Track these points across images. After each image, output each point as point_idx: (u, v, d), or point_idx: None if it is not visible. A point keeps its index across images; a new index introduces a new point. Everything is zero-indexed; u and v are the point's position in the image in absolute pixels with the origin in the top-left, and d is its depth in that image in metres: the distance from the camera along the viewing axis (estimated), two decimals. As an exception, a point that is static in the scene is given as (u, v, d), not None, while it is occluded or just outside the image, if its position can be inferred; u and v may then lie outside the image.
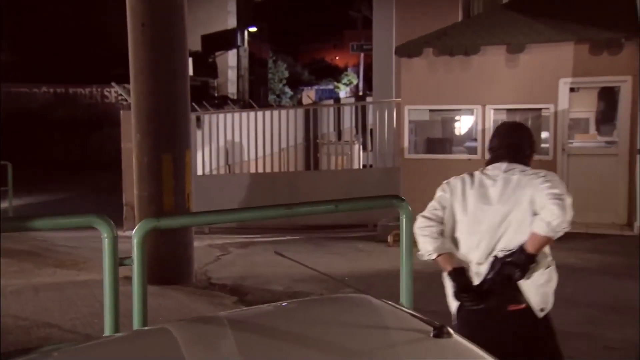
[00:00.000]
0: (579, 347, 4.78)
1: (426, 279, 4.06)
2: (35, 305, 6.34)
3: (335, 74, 44.87)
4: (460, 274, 3.20)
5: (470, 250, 3.22)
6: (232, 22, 27.95)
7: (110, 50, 17.84)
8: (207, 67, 26.57)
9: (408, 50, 10.53)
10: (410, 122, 10.74)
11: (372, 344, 1.84)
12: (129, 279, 3.07)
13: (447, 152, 10.68)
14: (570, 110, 9.93)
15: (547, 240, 3.07)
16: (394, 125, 11.56)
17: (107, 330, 3.01)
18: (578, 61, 9.56)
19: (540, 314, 3.17)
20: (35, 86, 24.39)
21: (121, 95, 13.65)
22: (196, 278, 7.46)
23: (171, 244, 7.02)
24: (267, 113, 12.91)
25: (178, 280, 7.12)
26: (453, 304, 3.31)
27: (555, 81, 9.65)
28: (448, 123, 11.22)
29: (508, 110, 10.24)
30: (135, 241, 3.01)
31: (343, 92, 41.72)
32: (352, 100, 28.93)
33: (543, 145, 9.77)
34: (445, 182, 3.39)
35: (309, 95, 35.61)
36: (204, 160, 12.39)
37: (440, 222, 3.27)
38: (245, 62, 29.84)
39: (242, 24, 29.29)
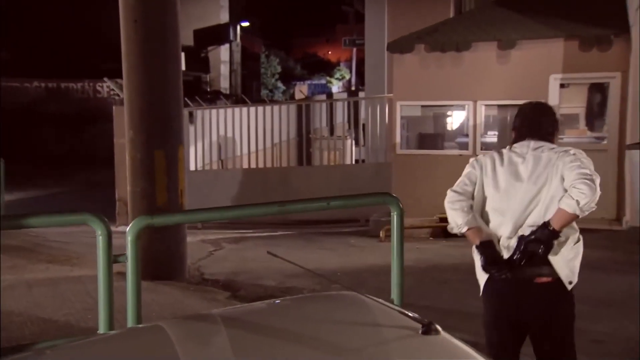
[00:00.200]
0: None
1: (418, 275, 4.11)
2: (29, 300, 6.33)
3: (328, 68, 44.84)
4: (488, 246, 3.25)
5: (500, 225, 3.27)
6: (224, 17, 27.86)
7: (102, 44, 17.77)
8: (199, 62, 26.46)
9: (400, 46, 10.56)
10: (402, 117, 10.78)
11: (361, 341, 1.86)
12: (122, 274, 3.09)
13: (438, 147, 10.73)
14: (561, 106, 9.96)
15: (574, 218, 3.12)
16: (386, 121, 11.61)
17: (102, 327, 3.04)
18: (568, 57, 9.62)
19: (569, 287, 3.23)
20: (26, 81, 24.21)
21: (113, 90, 13.62)
22: (189, 273, 7.46)
23: (164, 240, 7.01)
24: (260, 108, 12.92)
25: (171, 276, 7.11)
26: (482, 277, 3.36)
27: (545, 77, 9.70)
28: (440, 119, 11.27)
29: (499, 106, 10.31)
30: (129, 239, 3.03)
31: (335, 86, 41.74)
32: (345, 95, 28.95)
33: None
34: (473, 159, 3.45)
35: (301, 90, 35.57)
36: (196, 155, 12.40)
37: (470, 197, 3.32)
38: (237, 56, 29.77)
39: (235, 18, 29.21)
